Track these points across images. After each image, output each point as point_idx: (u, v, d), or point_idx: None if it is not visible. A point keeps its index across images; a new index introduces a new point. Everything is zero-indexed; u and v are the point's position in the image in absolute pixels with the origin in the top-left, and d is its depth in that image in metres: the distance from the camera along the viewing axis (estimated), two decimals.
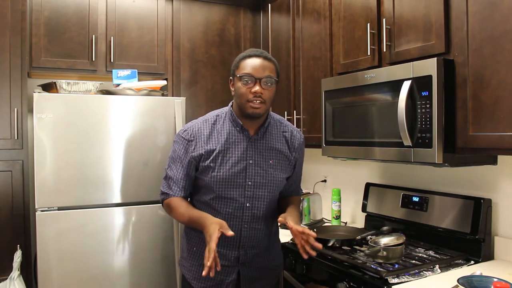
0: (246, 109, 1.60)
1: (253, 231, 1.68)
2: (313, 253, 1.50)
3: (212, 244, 1.41)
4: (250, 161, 1.65)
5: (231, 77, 1.69)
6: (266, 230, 1.73)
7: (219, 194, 1.64)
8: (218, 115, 1.72)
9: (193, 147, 1.66)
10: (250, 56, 1.61)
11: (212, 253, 1.39)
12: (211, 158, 1.63)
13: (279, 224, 1.71)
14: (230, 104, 1.74)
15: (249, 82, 1.58)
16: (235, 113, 1.68)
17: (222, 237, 1.56)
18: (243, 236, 1.66)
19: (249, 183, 1.65)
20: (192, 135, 1.67)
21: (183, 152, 1.68)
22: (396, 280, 1.59)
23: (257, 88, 1.57)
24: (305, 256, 1.52)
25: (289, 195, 1.86)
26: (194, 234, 1.73)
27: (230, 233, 1.46)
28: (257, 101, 1.58)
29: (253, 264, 1.71)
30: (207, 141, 1.66)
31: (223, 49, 3.06)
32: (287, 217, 1.58)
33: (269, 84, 1.59)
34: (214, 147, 1.64)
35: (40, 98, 2.20)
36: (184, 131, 1.70)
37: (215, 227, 1.47)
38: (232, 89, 1.67)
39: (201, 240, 1.68)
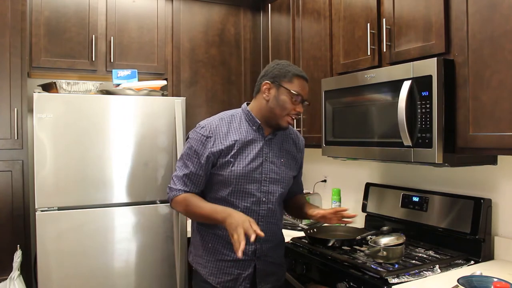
0: (282, 122, 1.69)
1: (268, 225, 1.74)
2: (350, 221, 1.81)
3: (254, 226, 1.47)
4: (266, 158, 1.73)
5: (270, 81, 1.69)
6: (278, 224, 1.81)
7: (237, 188, 1.68)
8: (233, 115, 1.77)
9: (212, 143, 1.68)
10: (302, 76, 1.70)
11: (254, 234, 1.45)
12: (231, 153, 1.68)
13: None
14: (245, 106, 1.78)
15: (297, 101, 1.67)
16: (254, 115, 1.74)
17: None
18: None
19: (265, 178, 1.72)
20: (210, 132, 1.69)
21: (201, 148, 1.68)
22: (396, 280, 1.59)
23: (301, 108, 1.70)
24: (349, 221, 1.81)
25: (296, 194, 1.96)
26: (208, 231, 1.74)
27: (260, 232, 1.47)
28: (295, 118, 1.71)
29: (268, 259, 1.76)
30: (225, 137, 1.69)
31: (223, 49, 3.06)
32: (314, 209, 1.81)
33: (305, 107, 1.73)
34: (233, 143, 1.69)
35: (40, 98, 2.20)
36: (202, 127, 1.71)
37: (245, 216, 1.53)
38: (267, 94, 1.69)
39: (216, 237, 1.72)
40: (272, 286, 1.78)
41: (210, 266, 1.72)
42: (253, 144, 1.71)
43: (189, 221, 2.20)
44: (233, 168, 1.67)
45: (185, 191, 1.70)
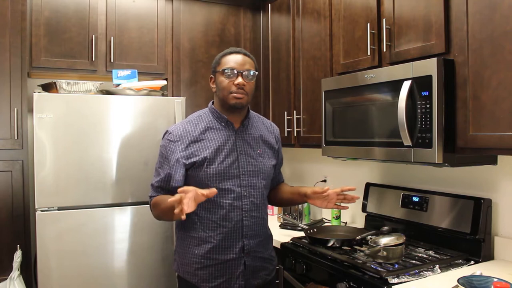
0: (229, 100, 1.69)
1: (253, 219, 1.73)
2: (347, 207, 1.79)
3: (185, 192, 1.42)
4: (241, 152, 1.73)
5: (211, 75, 1.78)
6: (263, 217, 1.80)
7: (216, 187, 1.63)
8: (200, 115, 1.79)
9: (181, 147, 1.69)
10: (230, 53, 1.73)
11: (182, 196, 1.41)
12: (202, 154, 1.68)
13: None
14: (210, 104, 1.81)
15: (232, 75, 1.68)
16: (218, 110, 1.75)
17: (226, 231, 1.68)
18: (245, 226, 1.70)
19: (243, 172, 1.71)
20: (178, 136, 1.71)
21: (171, 153, 1.70)
22: (396, 280, 1.59)
23: (240, 80, 1.67)
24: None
25: (278, 183, 1.97)
26: (192, 236, 1.72)
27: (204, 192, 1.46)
28: (240, 92, 1.68)
29: (256, 254, 1.75)
30: (195, 139, 1.70)
31: (223, 49, 2.93)
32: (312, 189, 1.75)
33: (250, 77, 1.69)
34: (203, 144, 1.70)
35: (40, 98, 2.20)
36: (169, 133, 1.73)
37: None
38: (213, 86, 1.77)
39: (200, 242, 1.70)
40: (262, 281, 1.77)
41: (201, 273, 1.70)
42: (225, 140, 1.72)
43: None
44: (207, 169, 1.67)
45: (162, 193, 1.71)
